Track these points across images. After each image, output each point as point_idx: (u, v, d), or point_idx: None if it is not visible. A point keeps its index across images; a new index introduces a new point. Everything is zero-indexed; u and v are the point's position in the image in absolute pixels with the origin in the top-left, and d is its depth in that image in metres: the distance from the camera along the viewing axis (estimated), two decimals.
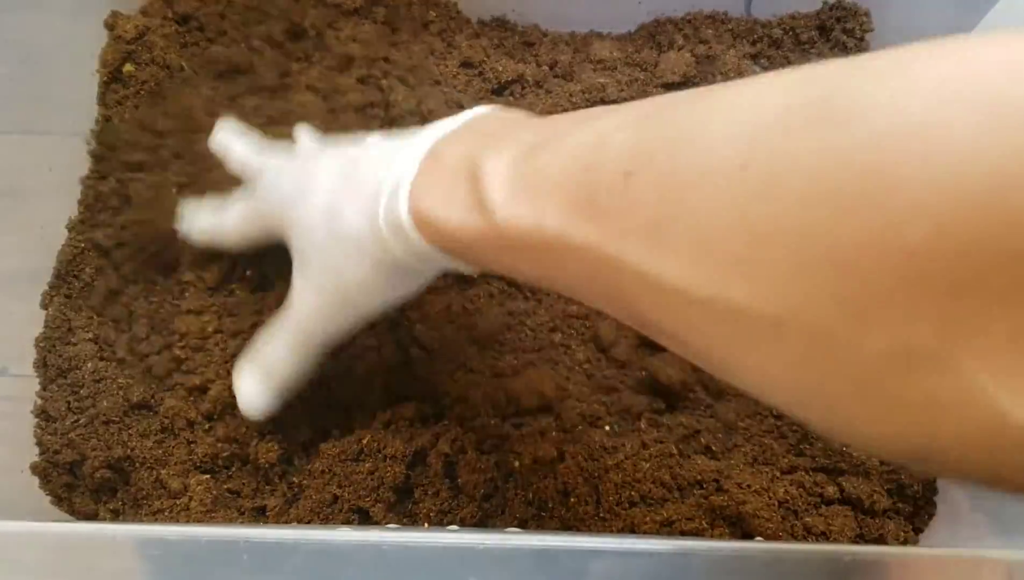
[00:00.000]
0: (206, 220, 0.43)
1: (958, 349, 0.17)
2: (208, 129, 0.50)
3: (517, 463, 0.41)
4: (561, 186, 0.24)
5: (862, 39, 0.53)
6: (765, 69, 0.53)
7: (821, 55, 0.53)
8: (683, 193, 0.21)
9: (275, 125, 0.49)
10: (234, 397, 0.43)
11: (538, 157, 0.26)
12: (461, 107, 0.51)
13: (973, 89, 0.16)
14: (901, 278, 0.17)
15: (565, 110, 0.51)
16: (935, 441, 0.18)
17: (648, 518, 0.40)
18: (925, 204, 0.16)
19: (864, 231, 0.17)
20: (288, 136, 0.49)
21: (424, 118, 0.49)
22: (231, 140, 0.44)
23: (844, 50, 0.53)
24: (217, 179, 0.49)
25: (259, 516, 0.43)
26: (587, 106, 0.50)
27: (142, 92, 0.51)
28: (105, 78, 0.51)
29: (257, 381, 0.39)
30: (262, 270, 0.47)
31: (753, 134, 0.20)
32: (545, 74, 0.52)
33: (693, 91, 0.24)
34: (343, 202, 0.33)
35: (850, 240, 0.17)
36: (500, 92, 0.51)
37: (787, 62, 0.54)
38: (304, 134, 0.43)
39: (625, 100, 0.50)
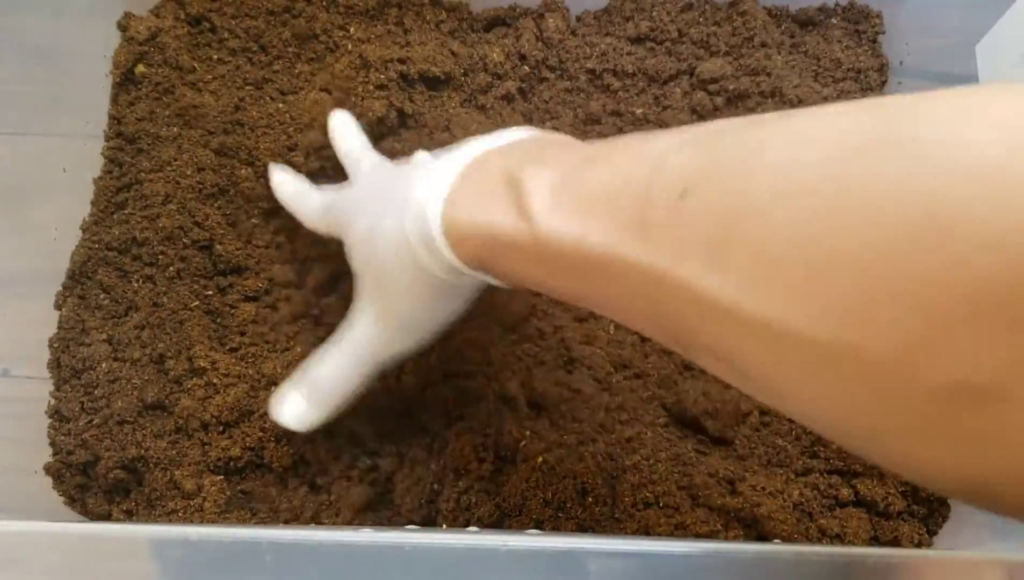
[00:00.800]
0: (292, 189, 0.44)
1: (1021, 384, 0.16)
2: (219, 129, 0.50)
3: (541, 459, 0.41)
4: (610, 203, 0.24)
5: (874, 40, 0.53)
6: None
7: (833, 58, 0.53)
8: (745, 214, 0.20)
9: (289, 127, 0.50)
10: (249, 399, 0.44)
11: (584, 173, 0.26)
12: (482, 110, 0.51)
13: None
14: (965, 313, 0.17)
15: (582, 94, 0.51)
16: (994, 477, 0.18)
17: (663, 520, 0.40)
18: (994, 240, 0.16)
19: (929, 264, 0.17)
20: (304, 137, 0.49)
21: (448, 128, 0.49)
22: (343, 133, 0.45)
23: (856, 54, 0.53)
24: (237, 178, 0.49)
25: (273, 517, 0.43)
26: (605, 90, 0.51)
27: (155, 93, 0.51)
28: (118, 79, 0.52)
29: (304, 397, 0.39)
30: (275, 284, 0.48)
31: (824, 160, 0.19)
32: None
33: (750, 117, 0.24)
34: (381, 219, 0.33)
35: (914, 273, 0.17)
36: (522, 93, 0.51)
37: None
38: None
39: (647, 79, 0.51)
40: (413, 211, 0.31)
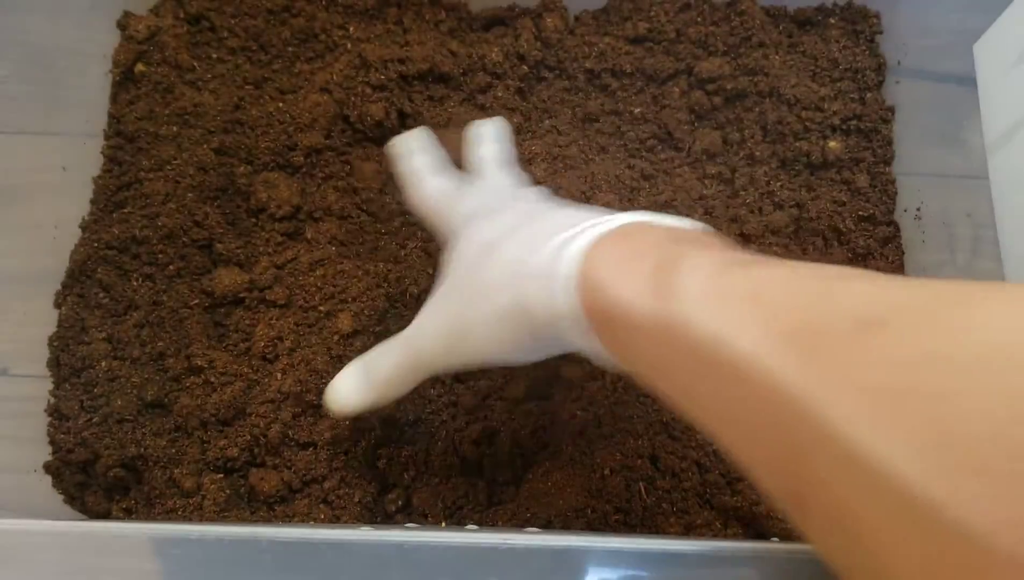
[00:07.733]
0: (416, 164, 0.43)
1: None
2: (219, 128, 0.50)
3: (548, 464, 0.41)
4: (771, 310, 0.22)
5: (872, 40, 0.53)
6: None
7: (830, 57, 0.53)
8: (941, 374, 0.18)
9: (289, 126, 0.50)
10: (246, 397, 0.44)
11: (749, 272, 0.24)
12: (482, 110, 0.51)
13: None
14: None
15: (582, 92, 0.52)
16: None
17: (672, 520, 0.40)
18: None
19: None
20: (303, 137, 0.49)
21: (447, 128, 0.49)
22: (489, 135, 0.44)
23: (853, 54, 0.53)
24: (236, 177, 0.49)
25: (272, 515, 0.43)
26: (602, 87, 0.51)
27: (154, 92, 0.51)
28: (117, 78, 0.52)
29: (357, 377, 0.38)
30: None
31: None
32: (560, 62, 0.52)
33: (954, 284, 0.20)
34: (506, 242, 0.33)
35: None
36: (520, 92, 0.52)
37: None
38: (493, 166, 0.42)
39: (648, 73, 0.51)
40: (549, 247, 0.30)
